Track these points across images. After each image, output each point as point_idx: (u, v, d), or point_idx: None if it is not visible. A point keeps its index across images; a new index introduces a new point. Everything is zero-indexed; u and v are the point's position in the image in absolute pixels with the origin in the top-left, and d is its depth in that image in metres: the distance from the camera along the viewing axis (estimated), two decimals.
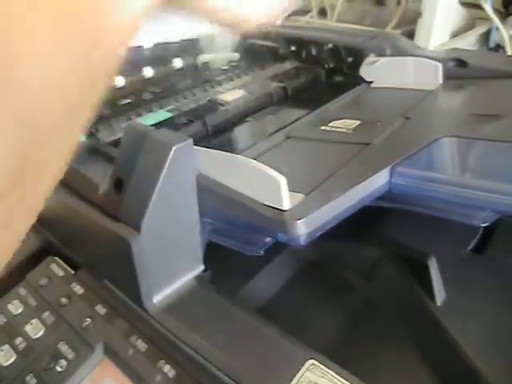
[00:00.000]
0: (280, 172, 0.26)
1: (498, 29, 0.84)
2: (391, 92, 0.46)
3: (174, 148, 0.26)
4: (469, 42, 0.89)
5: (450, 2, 0.79)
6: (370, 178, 0.28)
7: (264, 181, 0.25)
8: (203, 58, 0.59)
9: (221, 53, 0.64)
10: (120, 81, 0.51)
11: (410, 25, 0.86)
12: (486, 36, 0.92)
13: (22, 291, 0.35)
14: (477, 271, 0.33)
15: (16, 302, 0.34)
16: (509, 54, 0.82)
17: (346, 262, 0.36)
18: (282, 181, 0.25)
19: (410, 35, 0.83)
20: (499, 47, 0.90)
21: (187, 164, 0.27)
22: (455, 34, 0.88)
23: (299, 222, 0.24)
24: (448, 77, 0.45)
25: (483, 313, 0.30)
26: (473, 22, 0.94)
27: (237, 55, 0.61)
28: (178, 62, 0.57)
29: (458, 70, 0.46)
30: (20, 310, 0.33)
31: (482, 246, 0.36)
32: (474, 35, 0.90)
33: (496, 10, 0.89)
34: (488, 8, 0.79)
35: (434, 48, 0.73)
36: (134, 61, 0.52)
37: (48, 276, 0.35)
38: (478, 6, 0.85)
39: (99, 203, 0.29)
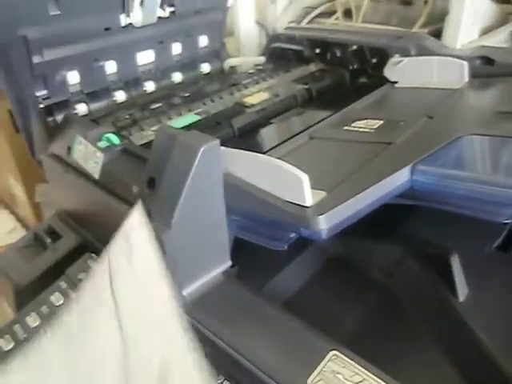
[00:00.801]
0: (303, 171, 0.27)
1: None
2: (415, 92, 0.46)
3: (201, 149, 0.27)
4: (500, 39, 0.86)
5: None
6: (390, 175, 0.28)
7: (287, 179, 0.26)
8: (230, 62, 0.61)
9: (247, 57, 0.65)
10: (151, 86, 0.53)
11: (437, 24, 0.84)
12: None
13: (63, 284, 0.37)
14: (501, 269, 0.33)
15: (57, 294, 0.36)
16: None
17: (370, 258, 0.37)
18: (305, 178, 0.26)
19: (438, 34, 0.81)
20: None
21: (214, 164, 0.28)
22: (487, 31, 0.86)
23: (321, 217, 0.25)
24: (474, 75, 0.45)
25: (506, 310, 0.30)
26: (506, 17, 0.92)
27: (263, 59, 0.63)
28: (205, 67, 0.59)
29: (485, 67, 0.45)
30: (61, 302, 0.35)
31: (507, 245, 0.36)
32: (505, 32, 0.87)
33: None
34: None
35: (462, 46, 0.72)
36: (164, 67, 0.54)
37: (85, 271, 0.37)
38: (511, 1, 0.83)
39: (133, 201, 0.31)
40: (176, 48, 0.55)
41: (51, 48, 0.42)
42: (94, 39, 0.45)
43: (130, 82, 0.51)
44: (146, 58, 0.52)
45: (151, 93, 0.53)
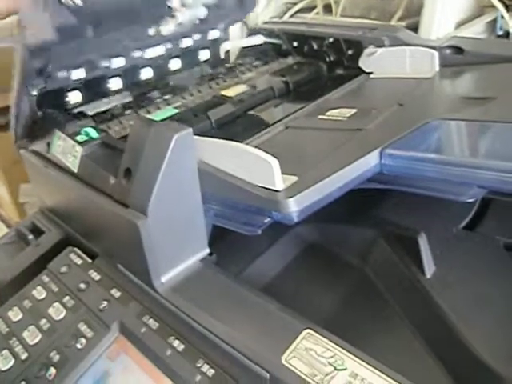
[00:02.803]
0: (277, 158, 0.28)
1: (503, 17, 0.83)
2: (389, 81, 0.47)
3: (175, 137, 0.28)
4: (476, 31, 0.88)
5: None
6: (359, 159, 0.29)
7: (258, 164, 0.27)
8: (226, 46, 0.60)
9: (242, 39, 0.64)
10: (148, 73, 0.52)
11: (415, 17, 0.86)
12: (494, 24, 0.91)
13: (45, 278, 0.37)
14: (467, 246, 0.35)
15: (39, 288, 0.37)
16: None
17: (344, 242, 0.38)
18: (274, 163, 0.27)
19: (416, 28, 0.83)
20: (508, 35, 0.89)
21: (188, 152, 0.29)
22: (463, 24, 0.88)
23: (290, 200, 0.26)
24: (445, 64, 0.46)
25: (469, 284, 0.31)
26: (481, 10, 0.94)
27: (261, 38, 0.61)
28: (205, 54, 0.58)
29: (455, 57, 0.47)
30: (43, 296, 0.36)
31: (474, 224, 0.38)
32: (481, 23, 0.89)
33: None
34: None
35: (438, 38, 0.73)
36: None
37: (68, 264, 0.38)
38: None
39: (110, 192, 0.32)
40: (186, 42, 0.54)
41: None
42: None
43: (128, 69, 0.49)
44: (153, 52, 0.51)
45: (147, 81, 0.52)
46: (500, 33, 0.90)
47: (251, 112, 0.44)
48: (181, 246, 0.32)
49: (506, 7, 0.85)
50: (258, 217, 0.29)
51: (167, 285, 0.31)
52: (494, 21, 0.91)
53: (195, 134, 0.29)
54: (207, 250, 0.33)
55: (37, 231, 0.43)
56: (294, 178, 0.28)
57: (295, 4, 1.03)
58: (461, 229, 0.37)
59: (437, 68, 0.46)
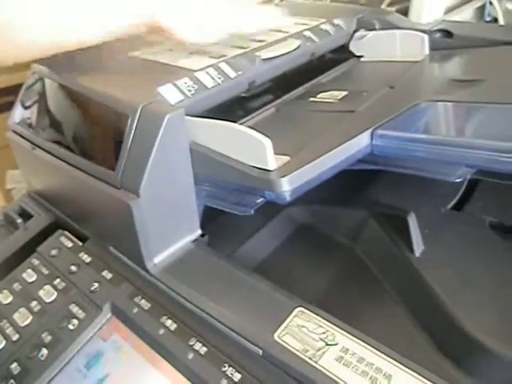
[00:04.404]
0: (269, 139, 0.28)
1: (491, 3, 0.84)
2: (380, 65, 0.47)
3: (167, 117, 0.28)
4: (465, 17, 0.88)
5: None
6: (351, 140, 0.29)
7: (251, 144, 0.27)
8: None
9: None
10: None
11: (404, 2, 0.86)
12: (482, 10, 0.92)
13: (35, 261, 0.37)
14: (455, 226, 0.35)
15: (29, 271, 0.37)
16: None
17: (335, 223, 0.38)
18: (267, 143, 0.27)
19: (406, 12, 0.83)
20: (496, 21, 0.90)
21: (180, 131, 0.29)
22: (452, 9, 0.88)
23: (283, 179, 0.26)
24: (434, 47, 0.47)
25: (456, 261, 0.32)
26: None
27: None
28: None
29: (444, 40, 0.47)
30: (34, 278, 0.36)
31: (462, 204, 0.39)
32: (470, 9, 0.90)
33: None
34: None
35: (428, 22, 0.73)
36: None
37: (58, 247, 0.37)
38: None
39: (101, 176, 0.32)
40: None
41: None
42: None
43: None
44: None
45: None
46: (488, 19, 0.90)
47: (242, 94, 0.44)
48: (173, 226, 0.32)
49: None
50: (250, 197, 0.29)
51: (160, 266, 0.31)
52: (483, 7, 0.91)
53: None
54: (199, 231, 0.34)
55: (25, 215, 0.43)
56: (287, 158, 0.28)
57: None
58: (449, 209, 0.38)
59: (427, 51, 0.46)
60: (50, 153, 0.37)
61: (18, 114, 0.42)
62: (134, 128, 0.29)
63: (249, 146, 0.27)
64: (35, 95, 0.41)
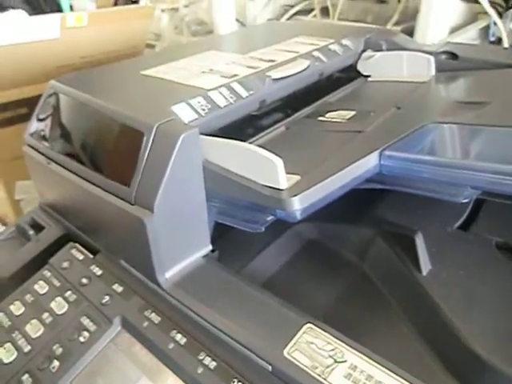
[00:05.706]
0: (279, 157, 0.29)
1: (495, 23, 0.85)
2: (386, 85, 0.48)
3: (182, 136, 0.29)
4: (469, 37, 0.90)
5: None
6: (360, 160, 0.30)
7: (262, 163, 0.28)
8: None
9: None
10: None
11: (410, 21, 0.88)
12: (486, 30, 0.93)
13: (47, 273, 0.38)
14: (461, 246, 0.36)
15: (41, 282, 0.37)
16: (505, 46, 0.83)
17: (343, 240, 0.39)
18: (279, 162, 0.27)
19: (411, 32, 0.85)
20: (500, 41, 0.91)
21: (194, 150, 0.30)
22: (457, 30, 0.90)
23: (294, 198, 0.27)
24: (440, 69, 0.48)
25: (462, 281, 0.33)
26: (475, 16, 0.96)
27: None
28: None
29: (450, 62, 0.48)
30: (45, 290, 0.36)
31: (468, 224, 0.39)
32: (474, 29, 0.91)
33: (497, 4, 0.91)
34: (484, 2, 0.81)
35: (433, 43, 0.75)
36: None
37: (69, 260, 0.38)
38: (478, 1, 0.87)
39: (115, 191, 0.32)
40: None
41: None
42: None
43: None
44: None
45: None
46: (492, 39, 0.92)
47: (253, 113, 0.45)
48: (185, 242, 0.32)
49: (499, 14, 0.87)
50: (261, 214, 0.30)
51: (171, 280, 0.32)
52: (487, 27, 0.93)
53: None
54: (210, 247, 0.34)
55: (37, 227, 0.43)
56: (297, 177, 0.29)
57: (293, 6, 1.05)
58: (455, 229, 0.39)
59: (433, 72, 0.47)
60: (65, 167, 0.38)
61: (33, 128, 0.43)
62: (149, 146, 0.30)
63: (261, 165, 0.28)
64: (51, 111, 0.42)
